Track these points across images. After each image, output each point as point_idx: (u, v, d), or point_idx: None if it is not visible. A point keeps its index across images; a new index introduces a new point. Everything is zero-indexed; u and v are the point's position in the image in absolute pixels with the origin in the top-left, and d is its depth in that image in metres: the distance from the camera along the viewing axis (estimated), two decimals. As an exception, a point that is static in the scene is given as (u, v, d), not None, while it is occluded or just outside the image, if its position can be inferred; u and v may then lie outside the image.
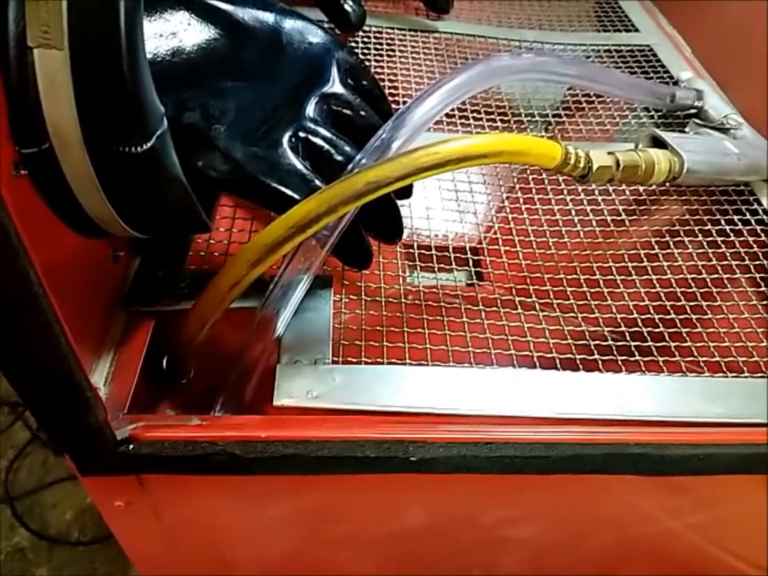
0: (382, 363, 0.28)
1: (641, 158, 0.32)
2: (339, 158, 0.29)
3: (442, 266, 0.35)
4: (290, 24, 0.31)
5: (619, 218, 0.41)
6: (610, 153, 0.31)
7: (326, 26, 0.49)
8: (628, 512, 0.30)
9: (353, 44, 0.49)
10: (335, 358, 0.27)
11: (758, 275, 0.35)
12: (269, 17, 0.30)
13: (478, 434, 0.25)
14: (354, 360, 0.28)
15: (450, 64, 0.48)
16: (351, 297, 0.31)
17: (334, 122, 0.30)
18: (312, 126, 0.29)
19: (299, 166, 0.27)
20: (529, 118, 0.46)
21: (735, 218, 0.38)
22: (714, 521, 0.32)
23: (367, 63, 0.47)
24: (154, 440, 0.24)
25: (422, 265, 0.35)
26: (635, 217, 0.43)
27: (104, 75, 0.20)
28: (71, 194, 0.22)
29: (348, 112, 0.31)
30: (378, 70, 0.46)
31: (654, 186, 0.41)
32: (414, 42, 0.50)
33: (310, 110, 0.29)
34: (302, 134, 0.28)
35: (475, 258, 0.39)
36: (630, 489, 0.28)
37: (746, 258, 0.36)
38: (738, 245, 0.36)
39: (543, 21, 0.56)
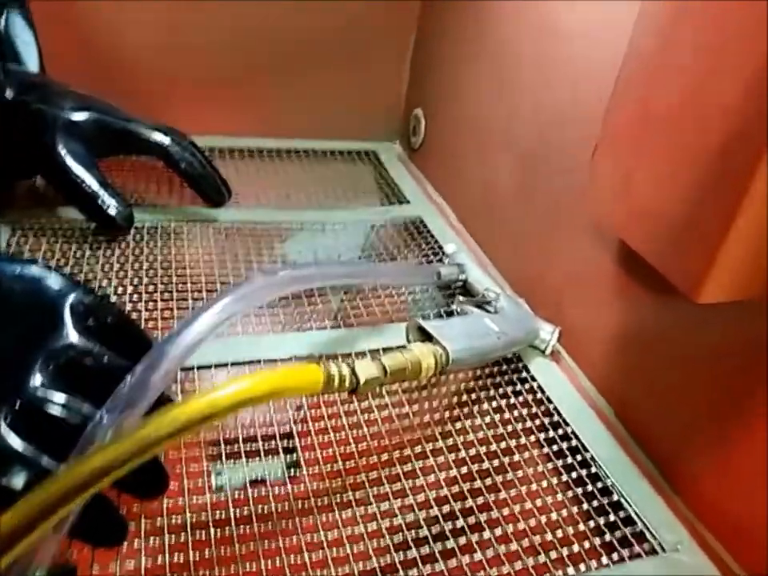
0: None
1: (407, 360, 0.33)
2: (76, 421, 0.25)
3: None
4: (9, 273, 0.28)
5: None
6: (375, 359, 0.32)
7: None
8: None
9: (127, 242, 0.47)
10: None
11: (538, 438, 0.37)
12: None
13: None
14: None
15: (231, 255, 0.48)
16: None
17: (75, 375, 0.27)
18: (39, 394, 0.25)
19: (19, 448, 0.24)
20: (329, 303, 0.46)
21: (510, 389, 0.40)
22: None
23: (142, 262, 0.45)
24: None
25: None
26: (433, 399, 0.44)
27: None
28: None
29: (88, 361, 0.27)
30: (153, 268, 0.45)
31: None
32: (191, 235, 0.49)
33: (37, 374, 0.26)
34: (27, 406, 0.25)
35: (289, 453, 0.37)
36: None
37: (527, 422, 0.38)
38: (519, 413, 0.38)
39: (323, 200, 0.59)
